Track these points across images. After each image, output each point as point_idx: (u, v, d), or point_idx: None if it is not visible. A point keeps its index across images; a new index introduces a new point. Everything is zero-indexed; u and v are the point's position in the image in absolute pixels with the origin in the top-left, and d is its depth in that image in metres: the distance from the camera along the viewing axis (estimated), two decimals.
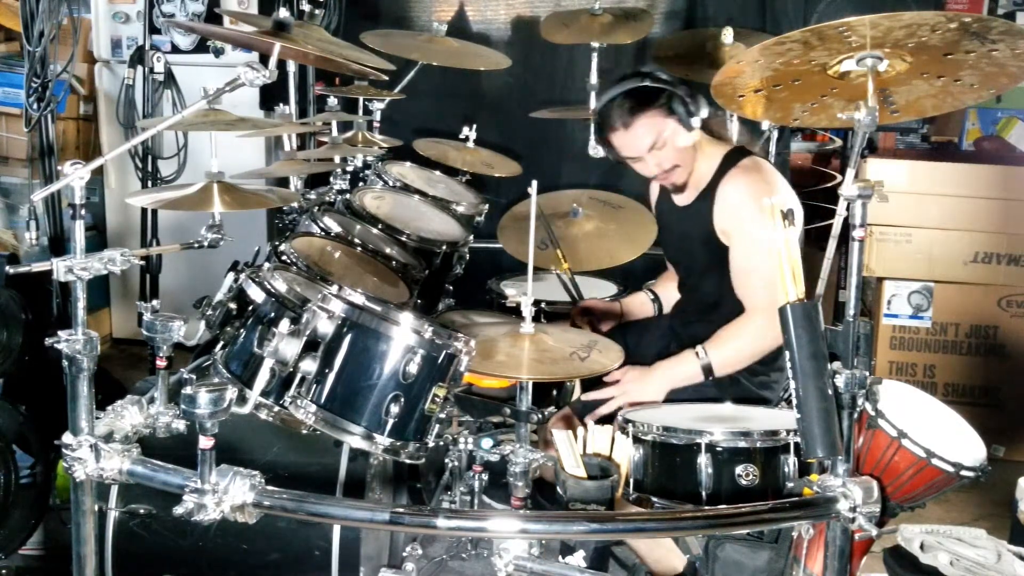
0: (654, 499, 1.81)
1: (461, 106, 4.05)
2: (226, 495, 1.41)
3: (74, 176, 1.45)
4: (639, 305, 2.56)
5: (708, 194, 2.19)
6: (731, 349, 2.11)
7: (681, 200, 2.30)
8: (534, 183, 1.90)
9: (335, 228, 2.32)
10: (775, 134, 2.98)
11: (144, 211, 3.55)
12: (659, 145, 2.14)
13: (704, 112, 2.14)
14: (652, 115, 2.13)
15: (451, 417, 2.28)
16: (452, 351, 1.68)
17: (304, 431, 1.78)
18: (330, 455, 1.98)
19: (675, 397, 2.18)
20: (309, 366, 1.62)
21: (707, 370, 2.11)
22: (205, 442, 1.40)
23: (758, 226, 1.94)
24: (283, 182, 2.77)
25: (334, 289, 1.68)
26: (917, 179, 3.55)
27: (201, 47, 3.97)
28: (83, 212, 1.49)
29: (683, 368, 2.13)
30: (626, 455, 1.86)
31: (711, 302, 2.28)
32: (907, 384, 1.81)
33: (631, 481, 1.85)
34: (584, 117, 2.70)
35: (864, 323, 1.43)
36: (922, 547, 1.69)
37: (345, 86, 2.95)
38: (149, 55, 3.55)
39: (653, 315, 2.56)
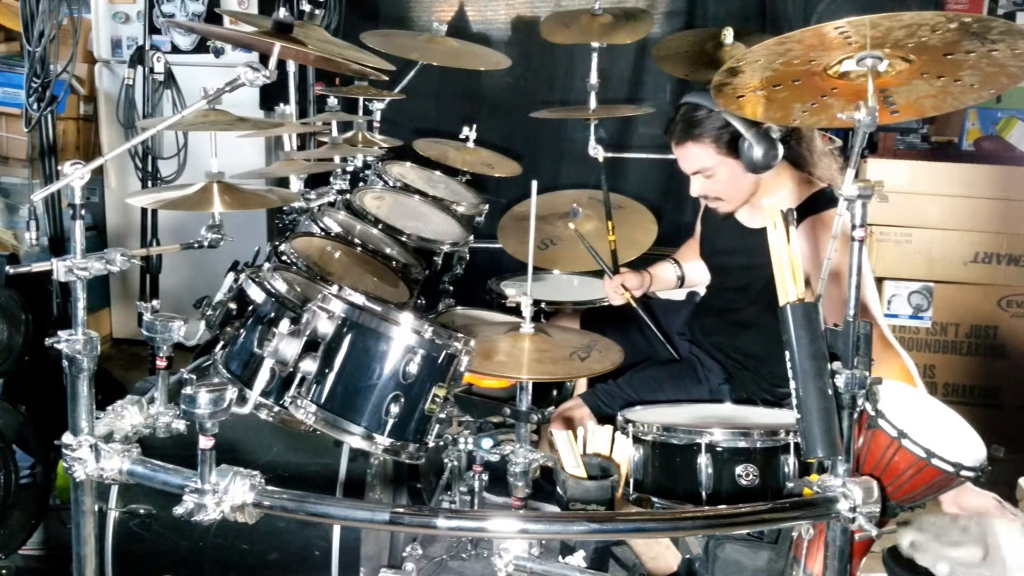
0: (654, 499, 1.82)
1: (461, 106, 4.06)
2: (226, 495, 1.41)
3: (74, 176, 1.45)
4: (665, 275, 2.56)
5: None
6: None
7: (748, 220, 2.21)
8: (534, 183, 1.90)
9: (335, 228, 2.32)
10: None
11: (144, 211, 3.55)
12: (705, 174, 2.09)
13: (778, 158, 1.99)
14: (704, 146, 2.05)
15: (451, 417, 2.27)
16: (452, 351, 1.68)
17: (304, 431, 1.78)
18: (330, 455, 1.98)
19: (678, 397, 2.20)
20: (309, 366, 1.61)
21: None
22: (205, 442, 1.40)
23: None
24: (283, 182, 2.76)
25: (334, 289, 1.68)
26: (917, 179, 3.55)
27: (201, 47, 3.96)
28: (83, 212, 1.49)
29: None
30: (626, 455, 1.86)
31: (744, 323, 2.26)
32: (907, 384, 1.81)
33: (631, 481, 1.86)
34: (584, 117, 2.70)
35: (864, 323, 1.43)
36: (912, 545, 1.68)
37: (345, 86, 2.95)
38: (149, 55, 3.55)
39: (676, 286, 2.56)
